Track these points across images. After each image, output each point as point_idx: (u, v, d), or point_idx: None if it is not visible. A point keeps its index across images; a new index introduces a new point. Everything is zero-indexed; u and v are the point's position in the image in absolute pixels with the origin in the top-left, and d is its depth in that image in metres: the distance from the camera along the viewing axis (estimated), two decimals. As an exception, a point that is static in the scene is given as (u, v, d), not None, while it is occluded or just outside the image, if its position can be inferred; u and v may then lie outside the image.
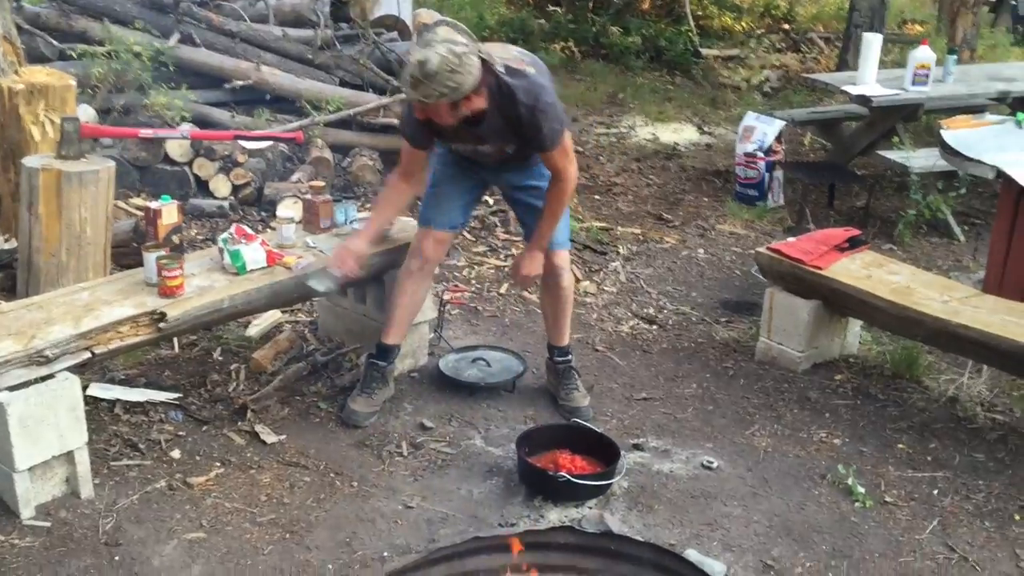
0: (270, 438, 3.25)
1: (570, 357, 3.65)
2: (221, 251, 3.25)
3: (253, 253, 3.24)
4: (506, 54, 3.10)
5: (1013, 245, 4.22)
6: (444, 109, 2.92)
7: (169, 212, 3.27)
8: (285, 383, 3.51)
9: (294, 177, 5.36)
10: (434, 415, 3.50)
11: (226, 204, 5.07)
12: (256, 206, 5.19)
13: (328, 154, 5.62)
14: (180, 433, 3.25)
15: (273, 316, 3.93)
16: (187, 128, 4.96)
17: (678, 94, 8.69)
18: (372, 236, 3.33)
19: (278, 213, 3.58)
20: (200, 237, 4.80)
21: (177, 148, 5.12)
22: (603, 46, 9.59)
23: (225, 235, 3.31)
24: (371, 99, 5.86)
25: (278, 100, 5.87)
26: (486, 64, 2.94)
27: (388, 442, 3.31)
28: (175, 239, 3.30)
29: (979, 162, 4.17)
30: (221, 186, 5.14)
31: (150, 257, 3.02)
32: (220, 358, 3.72)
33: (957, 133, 4.46)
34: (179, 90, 5.54)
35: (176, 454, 3.14)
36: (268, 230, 4.54)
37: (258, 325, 3.88)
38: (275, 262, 3.29)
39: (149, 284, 3.05)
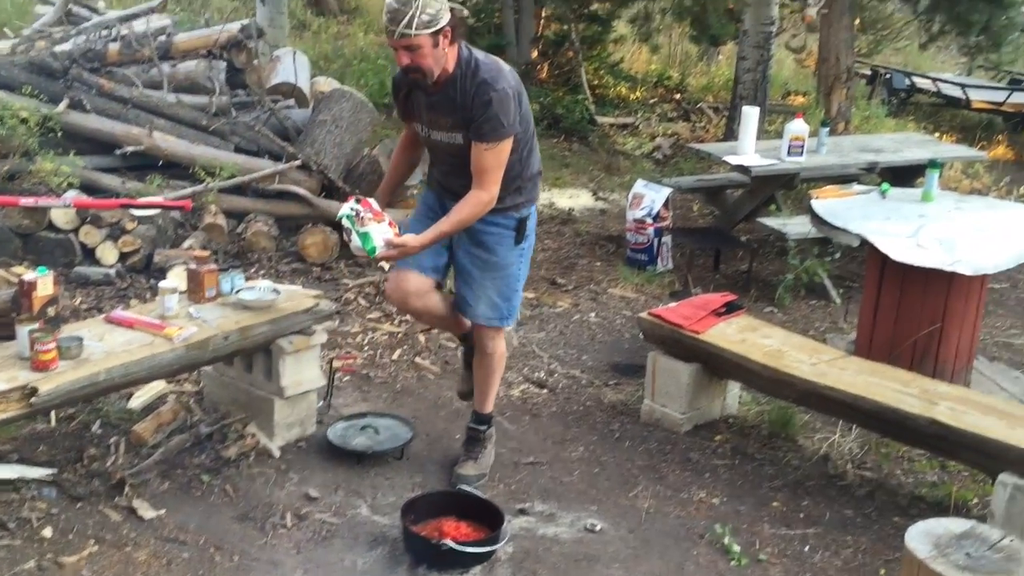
0: (148, 513, 3.18)
1: (483, 428, 3.63)
2: (348, 231, 3.09)
3: (384, 233, 3.10)
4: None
5: (880, 309, 4.46)
6: (428, 46, 2.98)
7: (44, 284, 3.22)
8: (166, 456, 3.45)
9: (186, 244, 5.31)
10: (320, 485, 3.49)
11: (113, 272, 4.99)
12: (145, 273, 5.12)
13: (222, 220, 5.59)
14: (53, 511, 3.15)
15: (157, 387, 3.87)
16: (71, 196, 4.89)
17: (575, 160, 8.92)
18: (385, 189, 3.53)
19: (160, 284, 3.54)
20: (84, 306, 4.70)
21: (62, 216, 5.02)
22: (503, 113, 9.78)
23: (348, 210, 3.09)
24: (267, 165, 5.87)
25: (171, 166, 5.82)
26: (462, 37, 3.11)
27: (272, 514, 3.28)
28: (50, 311, 3.24)
29: (845, 230, 4.41)
30: (108, 254, 5.06)
31: (23, 330, 2.96)
32: (99, 431, 3.64)
33: (826, 203, 4.72)
34: (67, 156, 5.46)
35: (48, 533, 3.04)
36: (154, 299, 4.49)
37: (140, 397, 3.81)
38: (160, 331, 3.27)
39: (22, 358, 2.99)
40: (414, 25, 2.94)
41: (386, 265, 3.27)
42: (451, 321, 3.59)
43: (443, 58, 3.06)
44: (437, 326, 4.02)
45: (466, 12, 3.15)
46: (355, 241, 3.11)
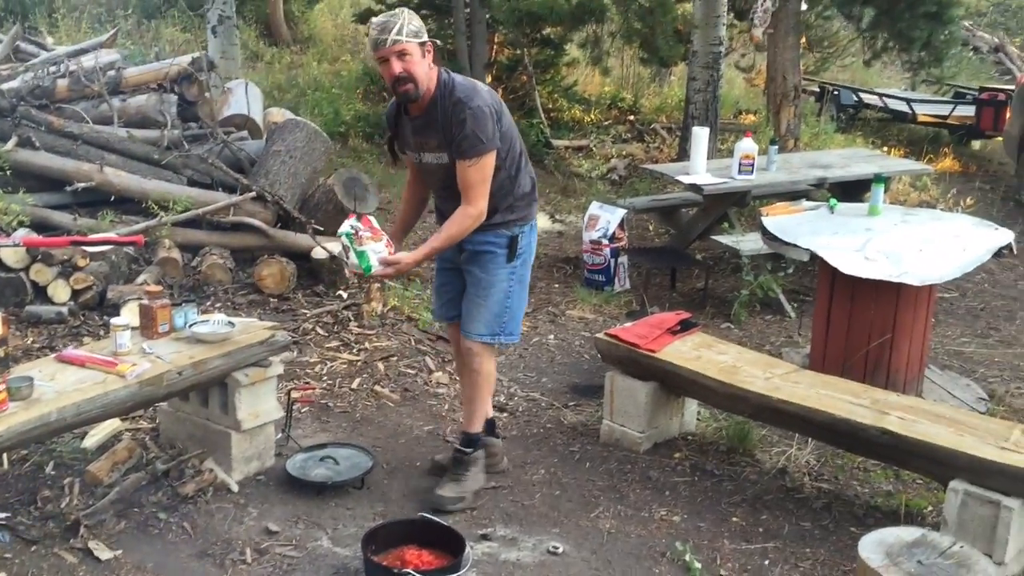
0: (104, 554, 3.14)
1: (468, 450, 3.64)
2: (346, 248, 3.23)
3: (379, 252, 3.25)
4: None
5: (832, 322, 4.54)
6: (417, 55, 3.20)
7: (-8, 325, 3.18)
8: (122, 495, 3.41)
9: (140, 279, 5.27)
10: (280, 518, 3.46)
11: (65, 310, 4.92)
12: (98, 310, 5.06)
13: (176, 254, 5.56)
14: (6, 555, 3.09)
15: (111, 425, 3.82)
16: (20, 235, 4.84)
17: (531, 184, 8.98)
18: (398, 228, 3.67)
19: (112, 320, 3.51)
20: (37, 345, 4.63)
21: (12, 255, 4.95)
22: (458, 139, 9.82)
23: (348, 228, 3.23)
24: (221, 198, 5.85)
25: (124, 201, 5.78)
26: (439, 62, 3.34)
27: (231, 550, 3.25)
28: (0, 352, 3.20)
29: (795, 246, 4.49)
30: (60, 291, 4.99)
31: (-30, 373, 2.92)
32: (53, 472, 3.58)
33: (776, 219, 4.80)
34: (17, 194, 5.41)
35: (1, 578, 2.99)
36: (107, 336, 4.44)
37: (95, 436, 3.76)
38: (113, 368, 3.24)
39: (-30, 401, 2.94)
40: (404, 32, 3.18)
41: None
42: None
43: (427, 73, 3.24)
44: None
45: (438, 42, 3.32)
46: (352, 259, 3.26)
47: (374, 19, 3.28)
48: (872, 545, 2.60)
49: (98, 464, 3.53)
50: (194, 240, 5.80)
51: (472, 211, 3.30)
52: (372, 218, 3.34)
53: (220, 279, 5.59)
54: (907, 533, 2.67)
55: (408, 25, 3.19)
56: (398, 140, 3.50)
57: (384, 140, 3.63)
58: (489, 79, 9.91)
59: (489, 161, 3.28)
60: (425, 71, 3.24)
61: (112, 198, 5.72)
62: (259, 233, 5.78)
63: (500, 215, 3.43)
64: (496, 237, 3.45)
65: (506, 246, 3.46)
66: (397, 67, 3.19)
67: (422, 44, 3.22)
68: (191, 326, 3.61)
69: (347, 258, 3.29)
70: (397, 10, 3.28)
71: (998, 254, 4.48)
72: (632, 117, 11.02)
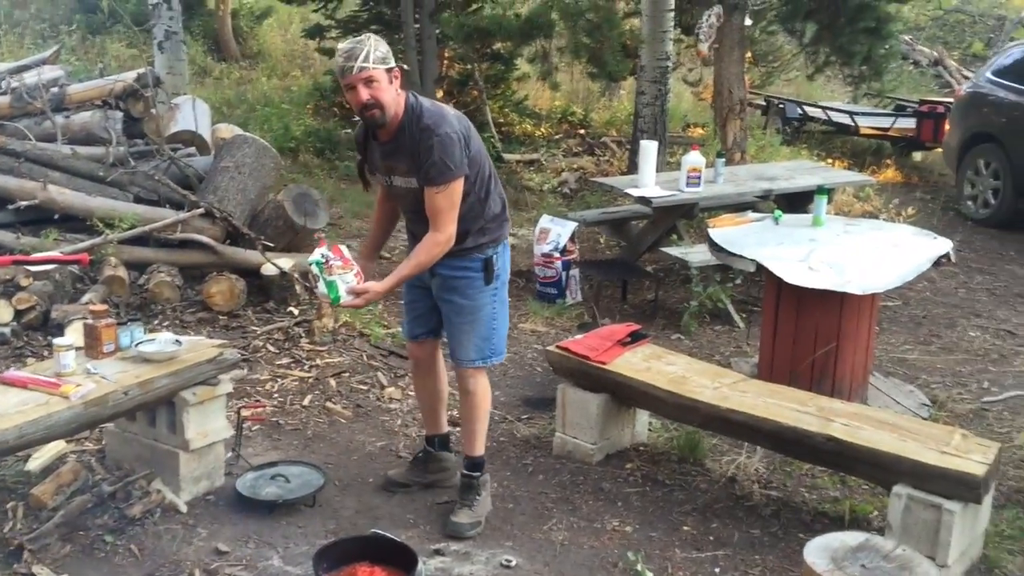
0: (49, 579, 3.09)
1: (476, 474, 3.62)
2: (316, 277, 3.22)
3: (349, 282, 3.23)
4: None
5: (778, 331, 4.62)
6: (384, 81, 3.18)
7: (-69, 347, 3.12)
8: (67, 518, 3.34)
9: (85, 298, 5.18)
10: (231, 538, 3.42)
11: (7, 331, 4.83)
12: (42, 330, 4.96)
13: (123, 272, 5.47)
14: (-54, 583, 3.03)
15: (56, 447, 3.75)
16: (-39, 254, 4.74)
17: (483, 198, 8.99)
18: (368, 245, 3.72)
19: (55, 341, 3.46)
20: (-22, 367, 4.54)
21: (-48, 275, 4.86)
22: (410, 153, 9.81)
23: (319, 257, 3.21)
24: (168, 215, 5.78)
25: (69, 219, 5.69)
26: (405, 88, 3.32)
27: (180, 572, 3.21)
28: (-62, 375, 3.14)
29: (741, 257, 4.56)
30: (2, 312, 4.88)
31: (-93, 397, 2.86)
32: (-5, 497, 3.51)
33: (723, 231, 4.87)
34: (-44, 213, 5.30)
35: (-59, 607, 2.92)
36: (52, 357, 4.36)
37: (39, 458, 3.68)
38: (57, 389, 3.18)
39: (-93, 425, 2.88)
40: (371, 59, 3.16)
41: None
42: (435, 403, 3.88)
43: (395, 98, 3.23)
44: (426, 402, 3.97)
45: (407, 67, 3.31)
46: (321, 288, 3.26)
47: (340, 45, 3.25)
48: (817, 550, 2.65)
49: (42, 487, 3.46)
50: (141, 258, 5.72)
51: (440, 237, 3.29)
52: (344, 247, 3.32)
53: (168, 297, 5.52)
54: (851, 538, 2.72)
55: (375, 51, 3.17)
56: (367, 163, 3.48)
57: (355, 164, 3.61)
58: (440, 94, 9.94)
59: (457, 187, 3.26)
60: (392, 97, 3.22)
61: (56, 216, 5.62)
62: (208, 250, 5.72)
63: (472, 239, 3.41)
64: (471, 262, 3.44)
65: (482, 269, 3.46)
66: (364, 94, 3.17)
67: (389, 70, 3.20)
68: (137, 345, 3.57)
69: (315, 286, 3.29)
70: (363, 36, 3.26)
71: (937, 263, 4.60)
72: (582, 131, 11.10)
